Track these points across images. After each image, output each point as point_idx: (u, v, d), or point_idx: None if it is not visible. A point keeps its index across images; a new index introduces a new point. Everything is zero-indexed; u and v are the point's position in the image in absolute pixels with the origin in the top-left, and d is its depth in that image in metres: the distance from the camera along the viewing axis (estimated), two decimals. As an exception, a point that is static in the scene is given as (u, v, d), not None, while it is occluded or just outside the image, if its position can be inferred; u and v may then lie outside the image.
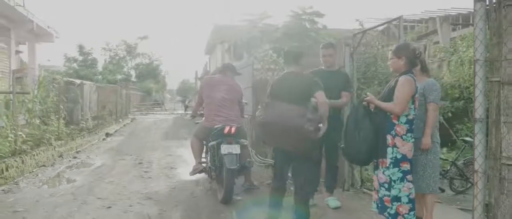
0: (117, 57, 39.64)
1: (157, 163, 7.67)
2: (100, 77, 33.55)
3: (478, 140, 2.94)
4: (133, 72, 40.64)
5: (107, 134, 13.19)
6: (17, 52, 16.03)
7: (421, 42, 12.24)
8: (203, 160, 5.51)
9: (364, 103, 3.48)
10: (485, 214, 2.96)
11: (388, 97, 3.38)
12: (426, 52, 10.53)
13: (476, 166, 2.97)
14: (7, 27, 11.85)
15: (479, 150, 2.95)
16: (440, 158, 6.11)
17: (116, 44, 39.70)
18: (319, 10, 13.83)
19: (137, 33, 65.80)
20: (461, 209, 4.55)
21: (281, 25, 13.76)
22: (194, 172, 5.31)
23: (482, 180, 2.94)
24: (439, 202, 4.68)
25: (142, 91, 39.00)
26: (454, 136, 7.28)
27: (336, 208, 4.45)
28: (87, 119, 13.69)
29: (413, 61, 3.43)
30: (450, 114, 7.48)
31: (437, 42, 11.23)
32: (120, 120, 19.69)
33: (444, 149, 6.85)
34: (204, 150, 5.50)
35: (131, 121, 20.62)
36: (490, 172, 2.93)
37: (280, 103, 3.48)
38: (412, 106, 3.36)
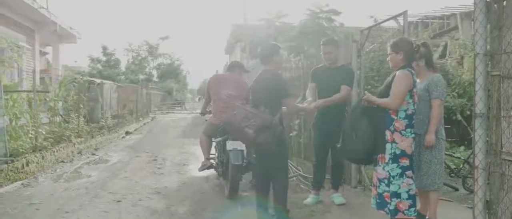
0: (139, 58, 40.39)
1: (170, 160, 7.82)
2: (122, 77, 34.32)
3: (478, 135, 2.88)
4: (155, 72, 41.35)
5: (127, 132, 13.52)
6: (44, 53, 16.67)
7: (442, 39, 11.97)
8: (212, 156, 5.59)
9: (363, 102, 3.47)
10: (487, 210, 2.91)
11: (386, 92, 3.36)
12: (447, 49, 10.30)
13: (476, 162, 2.91)
14: (31, 29, 12.33)
15: (479, 145, 2.88)
16: (455, 156, 6.03)
17: (138, 44, 40.49)
18: (336, 8, 13.75)
19: (159, 33, 66.90)
20: (470, 208, 4.45)
21: (297, 23, 13.77)
22: (202, 168, 5.40)
23: (482, 176, 2.88)
24: (449, 200, 4.61)
25: (163, 90, 39.63)
26: (472, 134, 7.11)
27: (340, 204, 4.44)
28: (107, 117, 14.04)
29: (411, 56, 3.39)
30: (468, 112, 7.29)
31: (458, 39, 10.96)
32: (141, 119, 20.09)
33: (462, 148, 6.70)
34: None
35: (151, 120, 21.01)
36: (491, 168, 2.87)
37: (239, 105, 3.81)
38: (411, 101, 3.32)
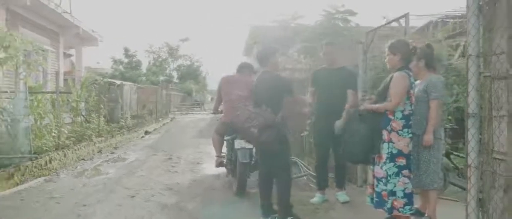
0: (160, 59, 41.15)
1: (185, 159, 8.07)
2: (144, 78, 35.07)
3: (471, 135, 2.96)
4: (175, 73, 42.06)
5: (146, 132, 13.90)
6: (68, 55, 17.31)
7: (462, 38, 11.79)
8: (223, 154, 5.79)
9: (362, 109, 3.59)
10: (480, 208, 2.98)
11: (384, 93, 3.46)
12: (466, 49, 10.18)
13: (469, 161, 2.98)
14: (55, 33, 12.87)
15: (472, 145, 2.96)
16: (463, 157, 6.03)
17: (159, 46, 41.26)
18: (351, 8, 13.76)
19: (179, 35, 67.93)
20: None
21: (313, 24, 13.85)
22: (217, 164, 5.57)
23: (474, 175, 2.96)
24: (456, 200, 4.65)
25: (183, 91, 40.24)
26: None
27: (345, 202, 4.55)
28: (127, 118, 14.48)
29: (408, 58, 3.49)
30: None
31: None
32: (160, 119, 20.54)
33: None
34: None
35: (171, 120, 21.44)
36: (483, 166, 2.94)
37: (242, 107, 4.04)
38: (408, 102, 3.42)
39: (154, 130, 15.31)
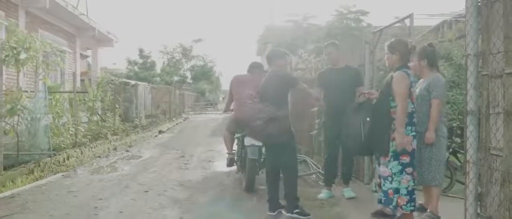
0: (174, 60, 41.61)
1: (197, 157, 8.28)
2: (158, 78, 35.54)
3: (469, 132, 3.06)
4: (188, 74, 42.47)
5: (160, 131, 14.20)
6: (85, 56, 17.75)
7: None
8: (234, 151, 5.96)
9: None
10: (478, 202, 3.08)
11: (386, 91, 3.57)
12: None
13: (468, 157, 3.08)
14: (72, 34, 13.24)
15: (470, 141, 3.06)
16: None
17: (173, 47, 41.72)
18: (363, 8, 13.78)
19: (192, 36, 68.58)
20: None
21: (324, 25, 13.91)
22: (228, 162, 5.74)
23: (473, 170, 3.06)
24: (461, 198, 4.71)
25: (197, 92, 40.62)
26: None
27: (350, 198, 4.67)
28: (141, 117, 14.81)
29: (406, 56, 3.59)
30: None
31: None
32: (174, 119, 20.88)
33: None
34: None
35: (184, 120, 21.76)
36: (481, 162, 3.04)
37: (250, 103, 4.29)
38: (409, 100, 3.51)
39: (168, 129, 15.60)
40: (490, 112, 2.94)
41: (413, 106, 3.56)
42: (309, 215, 3.96)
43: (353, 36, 13.66)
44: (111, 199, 4.78)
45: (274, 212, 4.04)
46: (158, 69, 38.87)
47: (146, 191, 5.17)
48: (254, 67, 5.89)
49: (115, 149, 9.37)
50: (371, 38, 6.73)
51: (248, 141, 5.04)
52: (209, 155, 8.47)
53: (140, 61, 37.35)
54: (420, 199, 3.98)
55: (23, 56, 6.32)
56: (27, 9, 10.02)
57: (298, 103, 9.05)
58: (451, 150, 5.13)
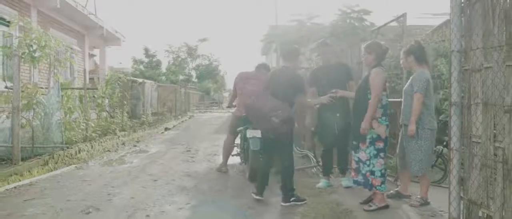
0: (179, 59, 42.02)
1: (203, 151, 8.60)
2: (163, 77, 35.95)
3: (453, 121, 3.34)
4: (193, 73, 42.86)
5: (166, 128, 14.52)
6: (92, 55, 18.16)
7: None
8: (236, 144, 6.29)
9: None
10: (461, 186, 3.36)
11: (364, 86, 3.96)
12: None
13: (451, 145, 3.37)
14: (82, 33, 13.63)
15: (453, 130, 3.34)
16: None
17: (178, 46, 42.14)
18: (366, 7, 14.01)
19: (198, 35, 69.14)
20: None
21: (328, 24, 14.16)
22: (219, 169, 6.16)
23: (456, 157, 3.34)
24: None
25: (202, 90, 40.97)
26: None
27: (347, 187, 4.95)
28: (148, 114, 15.16)
29: (381, 56, 4.01)
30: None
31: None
32: (179, 116, 21.22)
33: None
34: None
35: (189, 118, 22.09)
36: (464, 149, 3.32)
37: (266, 96, 4.37)
38: (384, 93, 3.95)
39: (174, 126, 15.92)
40: (471, 103, 3.21)
41: (387, 99, 3.94)
42: (305, 200, 4.29)
43: (356, 35, 13.96)
44: (122, 187, 5.10)
45: (262, 196, 4.40)
46: (163, 68, 39.29)
47: (155, 180, 5.50)
48: (262, 67, 6.20)
49: (123, 144, 9.70)
50: (365, 39, 7.06)
51: (250, 133, 5.34)
52: (214, 150, 8.77)
53: (146, 60, 37.79)
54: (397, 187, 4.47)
55: (38, 53, 6.65)
56: (39, 8, 10.40)
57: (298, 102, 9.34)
58: (445, 143, 5.39)
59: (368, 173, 3.95)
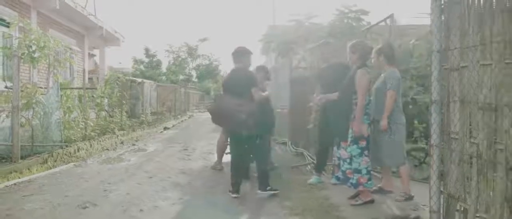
0: (180, 59, 42.15)
1: (199, 150, 8.75)
2: (164, 77, 36.09)
3: (433, 119, 3.47)
4: (194, 73, 43.00)
5: (165, 128, 14.67)
6: (92, 55, 18.32)
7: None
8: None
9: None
10: (441, 181, 3.49)
11: (349, 85, 4.10)
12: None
13: (432, 141, 3.50)
14: (81, 34, 13.78)
15: (434, 127, 3.48)
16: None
17: (178, 46, 42.26)
18: (364, 8, 14.12)
19: (198, 35, 69.31)
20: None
21: (326, 24, 14.27)
22: (214, 168, 6.33)
23: (436, 153, 3.47)
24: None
25: (202, 90, 41.10)
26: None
27: (334, 183, 5.06)
28: (147, 113, 15.30)
29: (365, 56, 4.16)
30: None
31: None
32: (179, 116, 21.39)
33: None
34: None
35: (189, 117, 22.25)
36: (443, 145, 3.45)
37: (226, 96, 4.68)
38: (367, 93, 4.09)
39: (173, 126, 16.07)
40: (450, 101, 3.35)
41: (369, 99, 4.07)
42: (277, 190, 4.62)
43: (353, 35, 14.06)
44: (119, 183, 5.25)
45: (238, 193, 4.59)
46: (164, 68, 39.43)
47: (151, 177, 5.64)
48: (259, 70, 6.36)
49: (122, 143, 9.84)
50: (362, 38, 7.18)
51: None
52: (210, 148, 8.89)
53: (146, 60, 37.93)
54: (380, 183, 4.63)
55: (37, 54, 6.80)
56: (38, 9, 10.54)
57: (295, 99, 9.48)
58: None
59: (349, 171, 4.09)
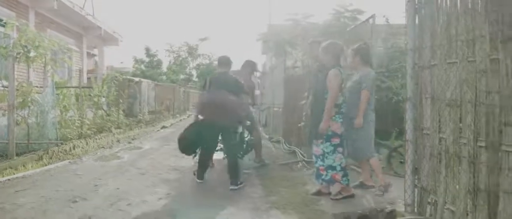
0: (180, 58, 42.27)
1: (194, 147, 8.87)
2: (164, 77, 36.22)
3: (408, 115, 3.61)
4: (194, 72, 43.12)
5: (163, 127, 14.81)
6: (92, 55, 18.48)
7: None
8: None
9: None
10: (415, 176, 3.62)
11: (322, 86, 4.25)
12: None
13: (406, 137, 3.63)
14: (80, 34, 13.95)
15: (408, 123, 3.61)
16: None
17: (178, 46, 42.38)
18: (360, 7, 14.22)
19: (198, 34, 69.32)
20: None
21: (322, 23, 14.38)
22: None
23: (410, 148, 3.60)
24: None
25: (202, 90, 41.16)
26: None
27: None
28: (144, 113, 15.44)
29: (337, 56, 4.25)
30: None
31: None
32: (177, 115, 21.53)
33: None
34: None
35: (188, 116, 22.35)
36: (417, 141, 3.58)
37: (219, 91, 5.01)
38: (340, 93, 4.20)
39: (171, 125, 16.20)
40: (422, 98, 3.47)
41: (342, 98, 4.19)
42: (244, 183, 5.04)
43: (348, 34, 14.11)
44: (110, 179, 5.39)
45: (202, 180, 5.20)
46: (164, 67, 39.56)
47: (142, 174, 5.78)
48: (246, 66, 6.51)
49: (118, 141, 9.98)
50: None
51: None
52: (205, 146, 9.06)
53: (147, 59, 38.08)
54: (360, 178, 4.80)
55: (32, 53, 6.95)
56: (36, 10, 10.71)
57: (288, 98, 9.61)
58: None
59: (321, 168, 4.25)
